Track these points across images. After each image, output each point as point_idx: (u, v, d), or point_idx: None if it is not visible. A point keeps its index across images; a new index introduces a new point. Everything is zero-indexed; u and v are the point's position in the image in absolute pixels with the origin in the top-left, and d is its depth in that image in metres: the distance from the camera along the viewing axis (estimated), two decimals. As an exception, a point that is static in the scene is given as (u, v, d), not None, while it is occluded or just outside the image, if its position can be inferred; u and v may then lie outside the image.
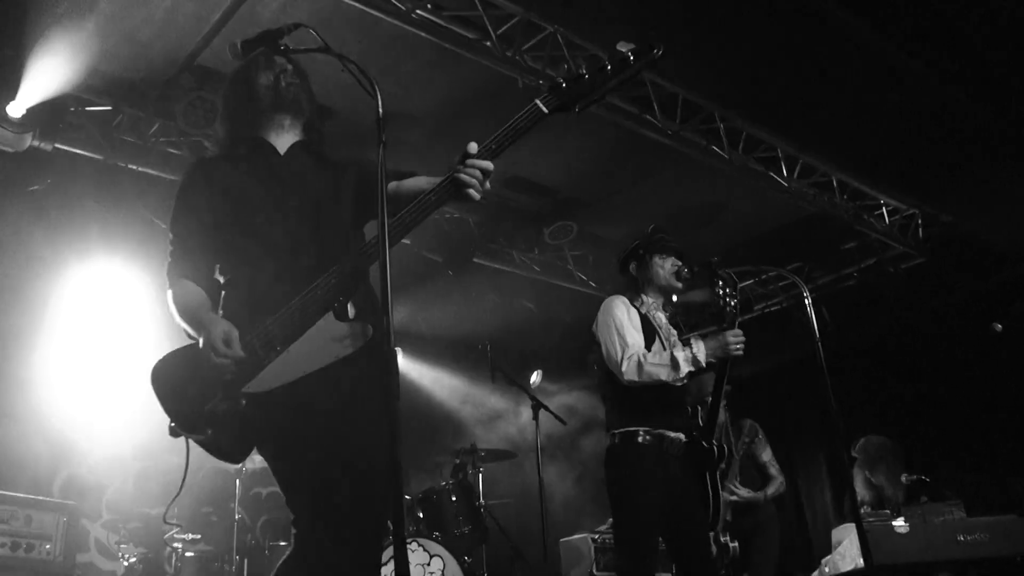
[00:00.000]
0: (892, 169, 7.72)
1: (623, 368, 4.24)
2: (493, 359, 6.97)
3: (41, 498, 5.95)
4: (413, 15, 5.39)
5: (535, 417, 6.62)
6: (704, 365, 4.22)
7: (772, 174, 7.56)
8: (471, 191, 2.65)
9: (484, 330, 9.43)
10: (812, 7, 5.47)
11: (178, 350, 2.73)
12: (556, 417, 6.77)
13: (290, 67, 2.99)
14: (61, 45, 5.41)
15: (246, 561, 5.96)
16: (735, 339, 4.15)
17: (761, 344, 9.76)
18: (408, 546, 5.45)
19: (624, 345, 4.28)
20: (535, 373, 9.09)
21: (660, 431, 4.24)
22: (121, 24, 5.49)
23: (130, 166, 6.33)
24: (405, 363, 9.65)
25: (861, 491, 7.34)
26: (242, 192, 2.87)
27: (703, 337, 4.26)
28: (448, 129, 6.82)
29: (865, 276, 9.01)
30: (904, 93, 6.43)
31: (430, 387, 9.95)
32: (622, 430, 4.30)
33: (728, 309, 4.22)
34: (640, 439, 4.23)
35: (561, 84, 2.79)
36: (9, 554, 5.30)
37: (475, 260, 8.12)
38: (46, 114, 5.78)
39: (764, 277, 9.77)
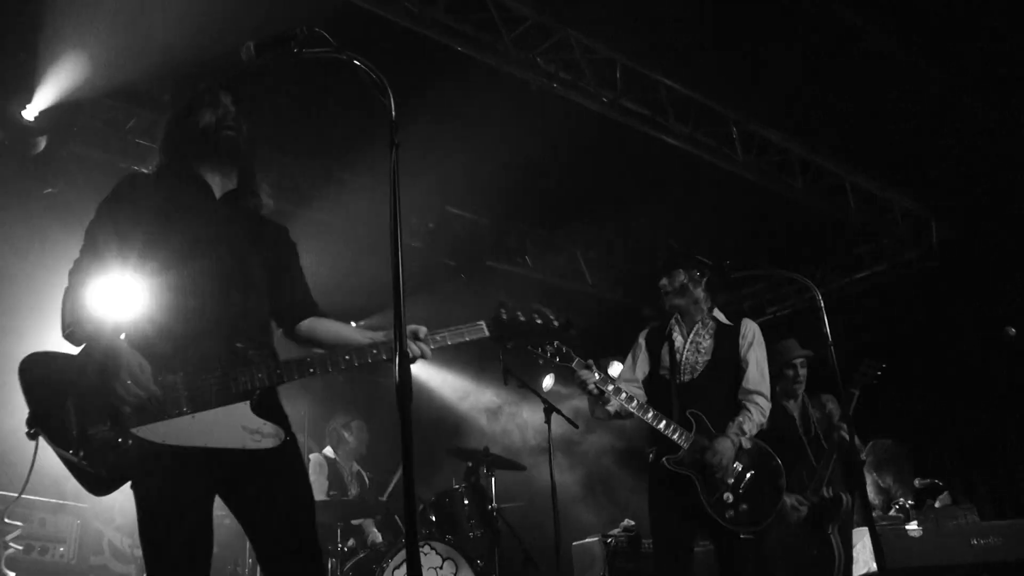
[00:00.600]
0: (905, 173, 7.69)
1: None
2: (505, 362, 6.96)
3: (55, 501, 5.98)
4: (427, 18, 5.39)
5: (547, 421, 6.60)
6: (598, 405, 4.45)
7: (785, 177, 7.53)
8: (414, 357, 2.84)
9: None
10: (827, 12, 5.46)
11: (66, 355, 2.65)
12: (568, 421, 6.74)
13: (233, 110, 2.99)
14: (75, 49, 5.44)
15: (258, 565, 5.96)
16: (581, 377, 4.29)
17: (773, 348, 9.79)
18: (420, 549, 5.47)
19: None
20: (548, 376, 9.07)
21: (655, 452, 4.50)
22: (135, 27, 5.51)
23: (143, 169, 6.34)
24: (417, 367, 9.65)
25: (871, 495, 7.32)
26: (171, 226, 2.80)
27: None
28: (458, 131, 6.84)
29: (878, 280, 8.97)
30: (918, 98, 6.41)
31: (442, 390, 9.95)
32: (648, 449, 4.59)
33: (548, 356, 4.26)
34: (651, 458, 4.52)
35: (503, 318, 3.04)
36: (24, 556, 5.33)
37: (488, 263, 8.12)
38: (60, 117, 5.81)
39: (777, 281, 9.74)
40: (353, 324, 3.05)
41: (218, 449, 2.60)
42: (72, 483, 6.33)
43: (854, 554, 7.01)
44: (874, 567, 6.54)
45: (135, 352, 2.58)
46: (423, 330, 2.89)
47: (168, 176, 2.96)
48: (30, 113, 5.70)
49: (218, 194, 2.97)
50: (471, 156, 7.23)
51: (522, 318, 3.05)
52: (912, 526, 6.65)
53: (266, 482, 2.71)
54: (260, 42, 2.76)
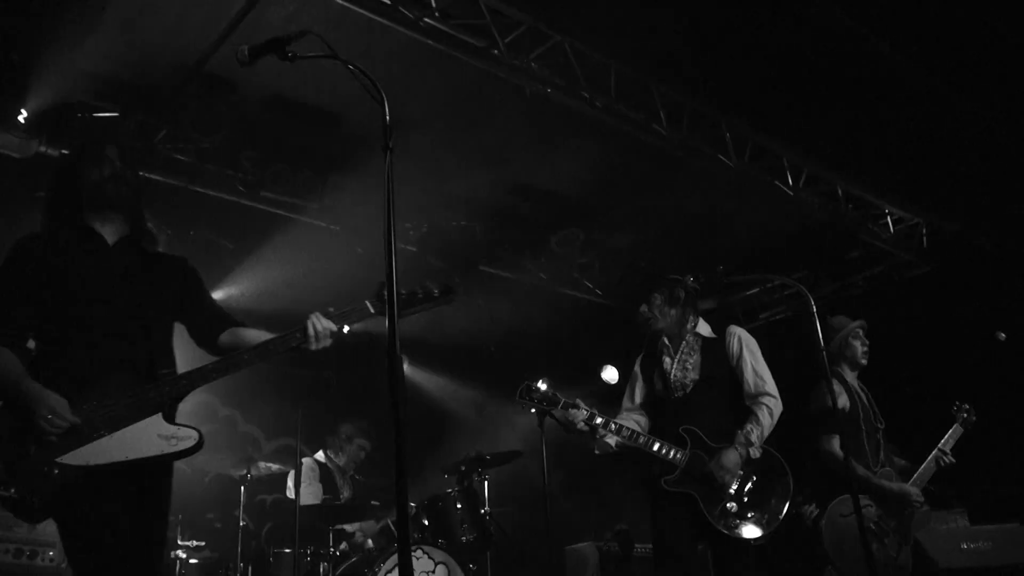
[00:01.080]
0: (897, 178, 7.72)
1: None
2: (498, 366, 6.97)
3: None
4: (421, 23, 5.40)
5: (540, 424, 6.60)
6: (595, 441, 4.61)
7: (777, 183, 7.56)
8: (312, 341, 3.10)
9: (491, 337, 9.44)
10: (819, 17, 5.48)
11: None
12: (560, 424, 6.75)
13: (118, 163, 3.21)
14: (69, 51, 5.44)
15: (250, 568, 5.95)
16: (568, 418, 4.45)
17: (766, 353, 9.82)
18: (413, 554, 5.48)
19: None
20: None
21: (649, 472, 4.56)
22: (130, 30, 5.52)
23: (137, 172, 6.34)
24: (410, 370, 9.65)
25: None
26: (70, 277, 3.04)
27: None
28: (451, 136, 6.85)
29: (870, 285, 9.00)
30: (910, 103, 6.43)
31: (435, 393, 9.95)
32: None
33: (542, 404, 4.35)
34: (652, 471, 4.55)
35: (384, 294, 3.22)
36: (12, 561, 5.31)
37: (481, 268, 8.13)
38: (53, 120, 5.81)
39: (770, 286, 9.77)
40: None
41: (140, 459, 2.85)
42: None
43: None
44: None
45: (48, 391, 2.81)
46: (331, 310, 3.19)
47: (60, 232, 3.16)
48: (23, 115, 5.69)
49: (111, 241, 3.20)
50: (464, 161, 7.26)
51: (403, 292, 3.22)
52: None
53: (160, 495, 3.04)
54: (254, 46, 2.78)
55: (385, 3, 5.25)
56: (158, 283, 3.23)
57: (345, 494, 6.86)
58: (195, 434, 2.95)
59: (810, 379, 5.55)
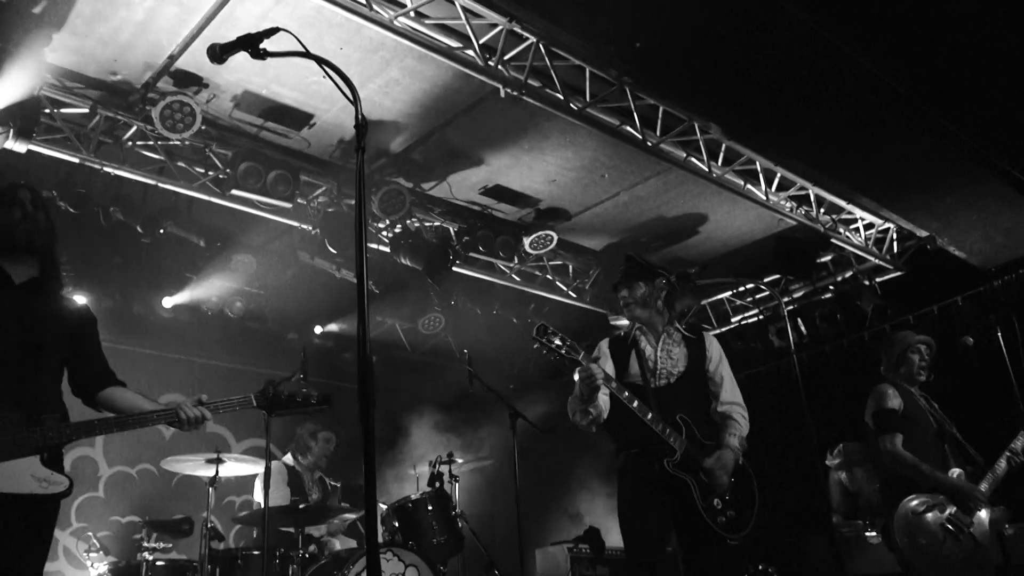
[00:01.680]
0: (869, 184, 7.78)
1: None
2: (471, 367, 6.95)
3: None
4: (395, 22, 5.38)
5: (512, 426, 6.60)
6: (579, 395, 4.35)
7: (750, 187, 7.61)
8: (185, 424, 3.44)
9: (463, 339, 9.43)
10: (795, 23, 5.50)
11: None
12: (533, 426, 6.75)
13: (30, 207, 3.33)
14: (38, 46, 5.36)
15: (218, 570, 5.89)
16: (584, 375, 4.22)
17: (738, 354, 9.88)
18: (383, 555, 5.45)
19: None
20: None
21: (641, 452, 4.42)
22: (100, 26, 5.45)
23: (105, 168, 6.27)
24: (381, 371, 9.61)
25: (836, 498, 7.37)
26: None
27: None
28: (430, 136, 6.83)
29: (841, 288, 9.07)
30: (882, 110, 6.47)
31: (407, 395, 9.91)
32: (618, 452, 4.58)
33: (553, 357, 4.29)
34: (626, 461, 4.48)
35: (269, 393, 3.78)
36: None
37: (454, 269, 8.11)
38: (21, 115, 5.72)
39: (742, 289, 9.82)
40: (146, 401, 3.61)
41: (11, 495, 2.98)
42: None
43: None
44: (834, 574, 6.61)
45: None
46: (204, 397, 3.53)
47: None
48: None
49: (18, 282, 3.32)
50: (438, 162, 7.25)
51: (284, 394, 3.77)
52: (871, 533, 6.73)
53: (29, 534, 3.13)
54: (226, 43, 2.75)
55: (359, 1, 5.22)
56: (55, 327, 3.36)
57: (314, 496, 6.82)
58: (66, 481, 3.13)
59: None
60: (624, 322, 6.73)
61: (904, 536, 4.96)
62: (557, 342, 4.15)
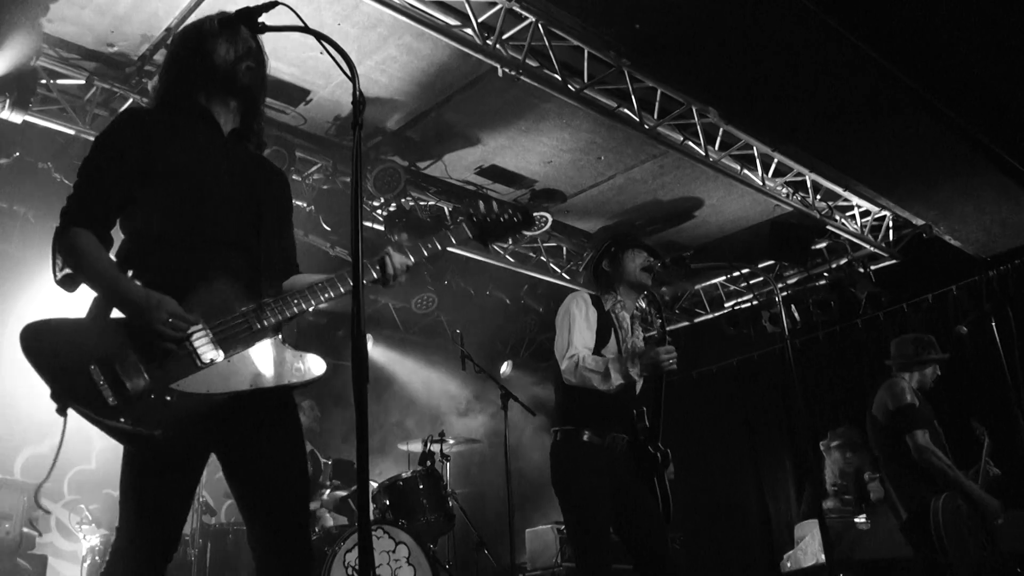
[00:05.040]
0: (865, 171, 7.78)
1: (563, 366, 4.25)
2: (464, 348, 6.96)
3: (1, 477, 5.88)
4: (393, 1, 5.34)
5: (504, 407, 6.62)
6: (636, 379, 4.20)
7: (747, 171, 7.60)
8: (391, 277, 2.81)
9: (456, 319, 9.42)
10: (793, 7, 5.48)
11: (72, 320, 2.46)
12: (525, 408, 6.78)
13: (254, 45, 2.80)
14: (34, 16, 5.32)
15: (209, 544, 5.91)
16: (667, 355, 4.12)
17: (731, 340, 9.90)
18: (373, 533, 5.46)
19: (570, 343, 4.27)
20: (505, 363, 9.09)
21: (603, 430, 4.24)
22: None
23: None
24: (374, 350, 9.63)
25: (831, 478, 7.41)
26: (179, 163, 2.64)
27: (640, 352, 4.25)
28: (426, 114, 6.81)
29: (836, 275, 9.08)
30: (880, 98, 6.47)
31: (399, 374, 9.93)
32: (564, 428, 4.31)
33: (655, 329, 4.23)
34: (584, 437, 4.23)
35: (485, 219, 3.15)
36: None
37: (448, 248, 8.09)
38: (17, 85, 5.68)
39: (736, 274, 9.83)
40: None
41: (273, 388, 2.54)
42: (21, 458, 6.24)
43: (803, 545, 7.13)
44: (823, 559, 6.66)
45: (153, 291, 2.41)
46: (404, 236, 2.86)
47: (171, 111, 2.76)
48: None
49: (225, 131, 2.80)
50: (434, 140, 7.22)
51: (491, 217, 3.15)
52: (861, 519, 6.77)
53: (287, 428, 2.68)
54: (225, 16, 2.73)
55: (358, -23, 5.19)
56: (267, 190, 2.82)
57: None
58: (322, 362, 2.63)
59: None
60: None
61: (950, 526, 5.01)
62: (655, 310, 4.10)
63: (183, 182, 2.62)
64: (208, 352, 2.45)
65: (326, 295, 2.67)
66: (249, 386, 2.49)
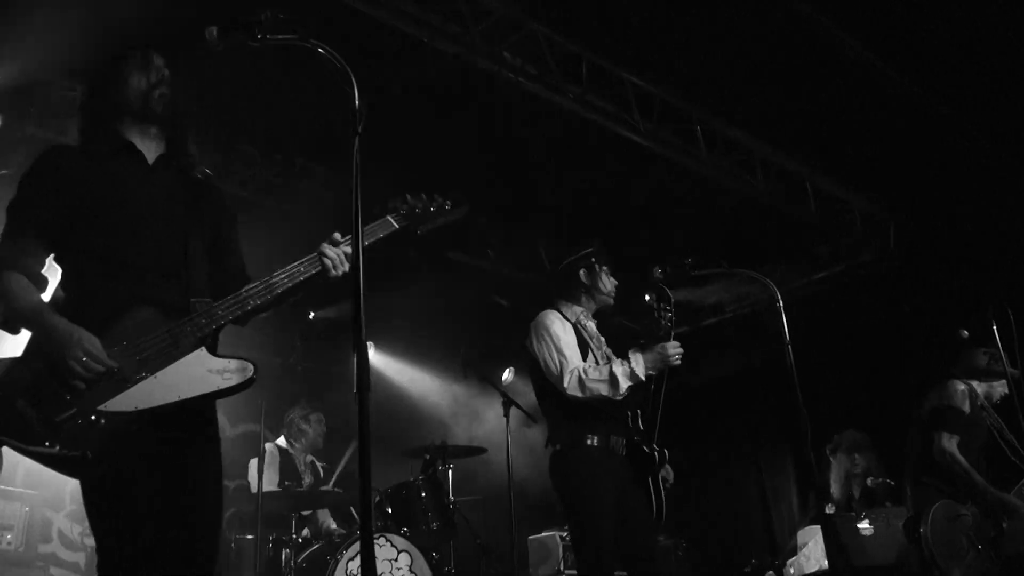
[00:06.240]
0: (866, 174, 7.78)
1: (565, 383, 4.26)
2: (465, 355, 6.96)
3: (3, 488, 5.87)
4: (393, 7, 5.36)
5: (506, 414, 6.62)
6: (644, 378, 4.22)
7: (747, 176, 7.60)
8: (331, 269, 2.90)
9: (457, 326, 9.42)
10: (791, 12, 5.50)
11: (4, 359, 2.55)
12: (527, 415, 6.76)
13: (167, 73, 2.89)
14: (36, 27, 5.34)
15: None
16: (674, 351, 4.16)
17: (730, 345, 9.88)
18: (376, 542, 5.45)
19: (564, 360, 4.30)
20: (507, 371, 9.07)
21: (605, 436, 4.27)
22: (99, 8, 5.42)
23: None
24: (376, 357, 9.62)
25: (839, 481, 7.38)
26: (103, 197, 2.72)
27: (641, 350, 4.26)
28: (421, 122, 6.81)
29: (836, 280, 9.07)
30: (880, 99, 6.48)
31: (401, 381, 9.92)
32: (564, 438, 4.33)
33: (663, 322, 4.24)
34: (588, 442, 4.25)
35: (412, 210, 3.29)
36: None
37: (448, 255, 8.10)
38: (19, 97, 5.70)
39: (736, 279, 9.82)
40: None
41: (198, 397, 2.60)
42: (21, 469, 6.21)
43: (806, 551, 7.10)
44: (826, 565, 6.64)
45: (76, 327, 2.49)
46: (337, 235, 2.98)
47: (94, 144, 2.84)
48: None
49: (150, 159, 2.87)
50: (434, 147, 7.23)
51: (419, 207, 3.31)
52: (864, 524, 6.75)
53: (208, 441, 2.76)
54: (223, 26, 2.74)
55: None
56: (198, 210, 2.90)
57: (306, 480, 6.82)
58: (249, 366, 2.68)
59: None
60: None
61: (939, 539, 5.01)
62: (663, 304, 4.14)
63: (104, 217, 2.69)
64: (133, 372, 2.53)
65: (253, 303, 2.77)
66: (177, 398, 2.57)
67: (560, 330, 4.43)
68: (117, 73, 2.87)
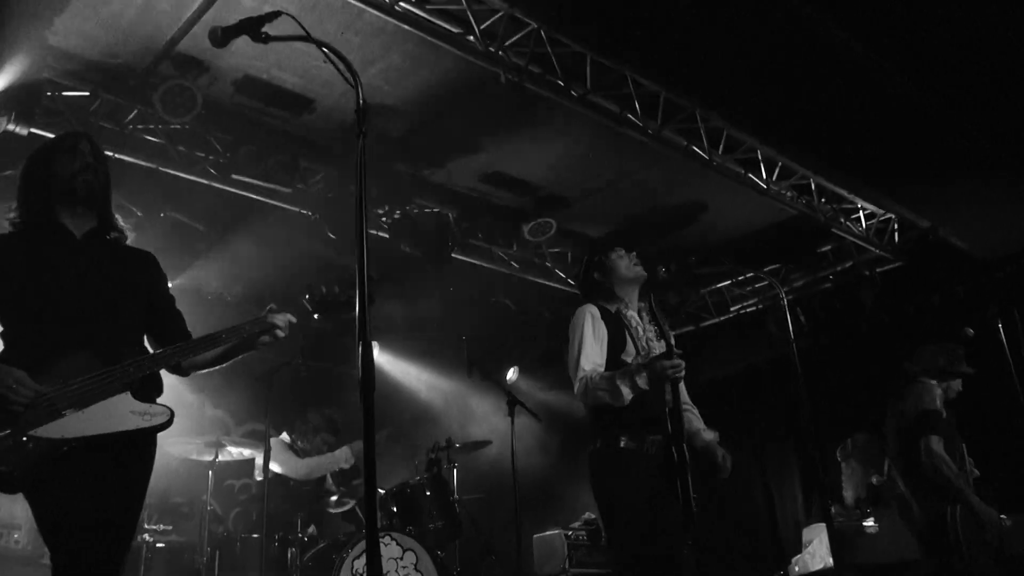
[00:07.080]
0: (870, 174, 7.77)
1: (575, 386, 4.28)
2: (470, 354, 6.97)
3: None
4: (396, 7, 5.36)
5: (510, 414, 6.62)
6: (644, 389, 4.14)
7: (751, 175, 7.59)
8: (278, 332, 3.41)
9: (462, 326, 9.43)
10: (795, 12, 5.50)
11: None
12: (531, 414, 6.78)
13: (91, 160, 3.23)
14: (39, 28, 5.35)
15: (217, 553, 5.92)
16: (672, 368, 4.10)
17: (736, 345, 9.88)
18: (381, 540, 5.47)
19: (578, 363, 4.29)
20: (511, 370, 9.09)
21: (640, 437, 4.21)
22: (102, 9, 5.44)
23: (106, 153, 6.25)
24: (381, 357, 9.63)
25: (855, 490, 7.37)
26: (36, 274, 3.06)
27: (644, 365, 4.23)
28: (430, 122, 6.81)
29: (841, 279, 9.07)
30: (884, 99, 6.47)
31: (406, 381, 9.93)
32: (604, 439, 4.28)
33: (666, 338, 4.23)
34: (621, 443, 4.20)
35: (322, 296, 3.61)
36: (-23, 543, 5.26)
37: (453, 255, 8.11)
38: (22, 98, 5.71)
39: (741, 278, 9.82)
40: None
41: (116, 433, 2.91)
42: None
43: (811, 549, 7.11)
44: (831, 562, 6.65)
45: (7, 366, 2.84)
46: (272, 306, 3.44)
47: (27, 228, 3.20)
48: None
49: (78, 235, 3.21)
50: (438, 148, 7.24)
51: (331, 296, 3.62)
52: (869, 523, 6.76)
53: (128, 469, 3.05)
54: (228, 26, 2.74)
55: (361, -14, 5.20)
56: (127, 274, 3.27)
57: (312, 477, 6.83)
58: (167, 411, 3.05)
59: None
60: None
61: (968, 530, 5.07)
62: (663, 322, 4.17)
63: (34, 296, 3.04)
64: (64, 405, 2.86)
65: (185, 358, 3.23)
66: (99, 431, 2.89)
67: (588, 327, 4.39)
68: (46, 160, 3.26)
